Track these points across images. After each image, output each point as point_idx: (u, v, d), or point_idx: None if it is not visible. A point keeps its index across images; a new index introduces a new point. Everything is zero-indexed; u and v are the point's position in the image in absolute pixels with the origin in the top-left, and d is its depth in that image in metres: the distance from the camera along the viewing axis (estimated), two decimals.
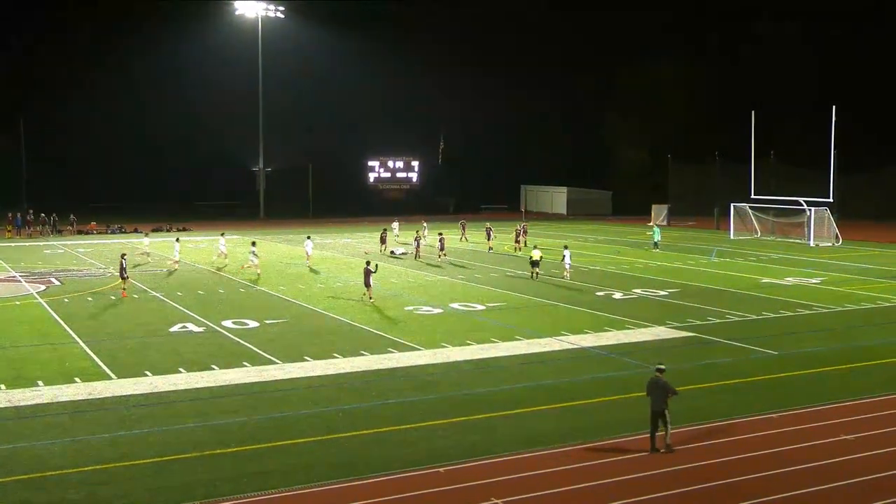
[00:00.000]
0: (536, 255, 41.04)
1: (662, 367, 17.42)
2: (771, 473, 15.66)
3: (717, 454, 16.61)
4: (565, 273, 40.14)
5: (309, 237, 47.98)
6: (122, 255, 36.75)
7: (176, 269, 43.42)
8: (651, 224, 73.12)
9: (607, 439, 17.44)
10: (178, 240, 47.59)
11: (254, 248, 42.35)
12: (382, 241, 51.53)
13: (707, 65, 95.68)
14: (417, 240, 48.91)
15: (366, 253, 51.12)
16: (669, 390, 16.82)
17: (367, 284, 33.55)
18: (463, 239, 59.05)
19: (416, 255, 48.16)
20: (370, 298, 33.44)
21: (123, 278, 35.47)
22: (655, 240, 54.22)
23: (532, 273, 40.56)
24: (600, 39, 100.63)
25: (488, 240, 53.26)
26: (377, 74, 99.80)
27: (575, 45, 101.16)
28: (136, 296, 35.34)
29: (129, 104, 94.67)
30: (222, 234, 48.65)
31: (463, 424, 18.44)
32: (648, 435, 16.84)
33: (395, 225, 58.05)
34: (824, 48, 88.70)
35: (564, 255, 40.48)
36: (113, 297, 34.89)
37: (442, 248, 47.61)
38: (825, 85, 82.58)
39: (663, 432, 16.73)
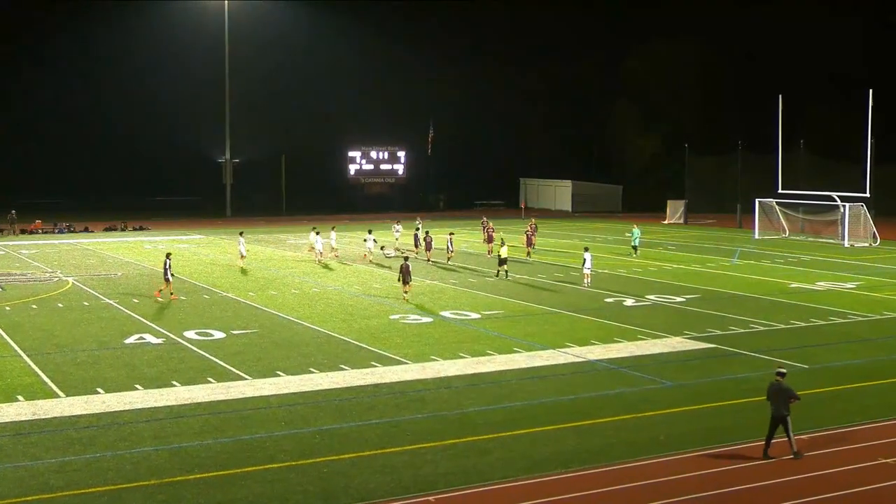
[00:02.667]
0: (504, 252, 42.19)
1: (783, 371, 18.25)
2: (799, 502, 15.70)
3: (735, 480, 16.64)
4: (585, 279, 40.00)
5: (317, 231, 50.09)
6: (168, 255, 37.37)
7: (241, 267, 45.80)
8: (667, 221, 73.09)
9: (617, 463, 17.46)
10: (241, 233, 48.58)
11: (371, 236, 48.68)
12: (417, 242, 51.17)
13: (726, 51, 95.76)
14: (449, 241, 48.59)
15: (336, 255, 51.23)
16: (792, 395, 17.63)
17: (406, 282, 35.53)
18: (485, 240, 58.67)
19: (448, 259, 48.02)
20: (406, 294, 35.68)
21: (167, 280, 36.12)
22: (634, 243, 51.80)
23: (498, 272, 42.13)
24: (609, 21, 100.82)
25: (489, 242, 52.79)
26: (358, 55, 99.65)
27: (582, 27, 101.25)
28: (86, 303, 35.27)
29: (76, 89, 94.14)
30: (241, 234, 48.76)
31: (455, 447, 18.44)
32: (761, 442, 17.80)
33: (398, 227, 57.29)
34: (855, 30, 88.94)
35: (585, 259, 40.26)
36: (86, 304, 34.94)
37: (441, 248, 47.89)
38: (855, 69, 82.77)
39: (786, 439, 17.55)
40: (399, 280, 36.06)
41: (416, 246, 50.42)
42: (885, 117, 61.21)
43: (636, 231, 52.58)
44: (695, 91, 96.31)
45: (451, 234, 49.91)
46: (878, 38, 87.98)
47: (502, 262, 42.23)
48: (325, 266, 46.72)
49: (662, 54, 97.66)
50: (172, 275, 36.56)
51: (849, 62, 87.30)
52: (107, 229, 70.74)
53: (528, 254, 50.76)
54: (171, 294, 36.32)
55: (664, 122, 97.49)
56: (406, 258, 37.53)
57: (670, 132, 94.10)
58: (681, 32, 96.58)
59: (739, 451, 18.09)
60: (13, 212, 67.96)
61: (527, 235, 52.10)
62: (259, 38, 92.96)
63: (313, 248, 49.15)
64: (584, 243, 48.65)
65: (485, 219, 61.67)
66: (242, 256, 46.69)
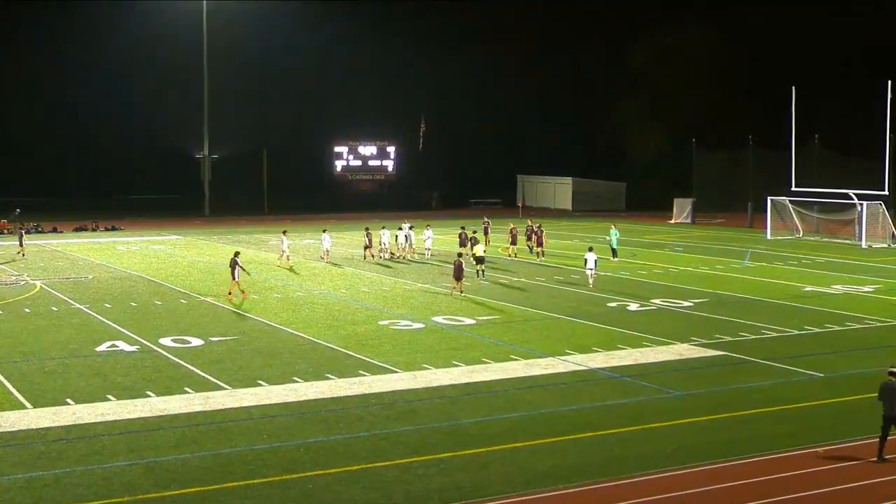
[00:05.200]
0: (480, 250, 43.53)
1: (895, 369, 18.49)
2: None
3: (747, 496, 16.67)
4: (589, 281, 40.14)
5: (324, 230, 52.66)
6: (236, 254, 38.73)
7: (282, 266, 47.06)
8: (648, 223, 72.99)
9: (622, 478, 17.46)
10: (284, 232, 50.17)
11: (404, 232, 52.10)
12: (462, 244, 51.21)
13: (734, 42, 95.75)
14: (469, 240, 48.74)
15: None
16: None
17: (458, 278, 37.88)
18: (487, 243, 58.44)
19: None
20: (461, 292, 37.71)
21: (235, 279, 37.37)
22: (613, 246, 50.88)
23: (477, 271, 42.74)
24: (613, 11, 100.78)
25: (512, 244, 52.20)
26: (345, 43, 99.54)
27: (584, 18, 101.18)
28: (54, 308, 35.18)
29: (44, 81, 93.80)
30: (284, 232, 50.21)
31: (448, 461, 18.44)
32: (774, 454, 18.25)
33: (408, 227, 57.24)
34: (858, 26, 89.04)
35: (587, 259, 40.35)
36: (55, 309, 34.83)
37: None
38: (873, 59, 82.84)
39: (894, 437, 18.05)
40: (453, 276, 38.23)
41: (463, 245, 50.04)
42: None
43: (614, 232, 51.47)
44: (702, 84, 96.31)
45: (475, 232, 49.74)
46: (882, 34, 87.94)
47: (479, 260, 42.95)
48: (337, 265, 47.71)
49: (668, 46, 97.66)
50: (245, 272, 37.98)
51: (860, 56, 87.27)
52: (77, 229, 70.56)
53: (537, 254, 50.50)
54: (230, 294, 37.36)
55: (670, 117, 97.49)
56: (459, 254, 41.01)
57: (677, 127, 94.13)
58: (687, 23, 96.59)
59: (751, 464, 18.11)
60: (17, 210, 67.33)
61: (537, 235, 51.27)
62: (239, 28, 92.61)
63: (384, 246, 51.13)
64: (586, 243, 48.67)
65: (486, 219, 61.53)
66: (287, 257, 47.76)
